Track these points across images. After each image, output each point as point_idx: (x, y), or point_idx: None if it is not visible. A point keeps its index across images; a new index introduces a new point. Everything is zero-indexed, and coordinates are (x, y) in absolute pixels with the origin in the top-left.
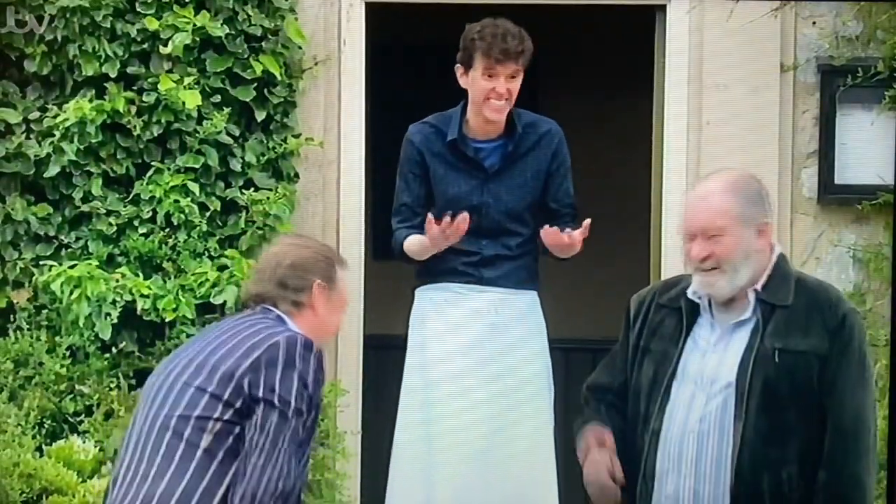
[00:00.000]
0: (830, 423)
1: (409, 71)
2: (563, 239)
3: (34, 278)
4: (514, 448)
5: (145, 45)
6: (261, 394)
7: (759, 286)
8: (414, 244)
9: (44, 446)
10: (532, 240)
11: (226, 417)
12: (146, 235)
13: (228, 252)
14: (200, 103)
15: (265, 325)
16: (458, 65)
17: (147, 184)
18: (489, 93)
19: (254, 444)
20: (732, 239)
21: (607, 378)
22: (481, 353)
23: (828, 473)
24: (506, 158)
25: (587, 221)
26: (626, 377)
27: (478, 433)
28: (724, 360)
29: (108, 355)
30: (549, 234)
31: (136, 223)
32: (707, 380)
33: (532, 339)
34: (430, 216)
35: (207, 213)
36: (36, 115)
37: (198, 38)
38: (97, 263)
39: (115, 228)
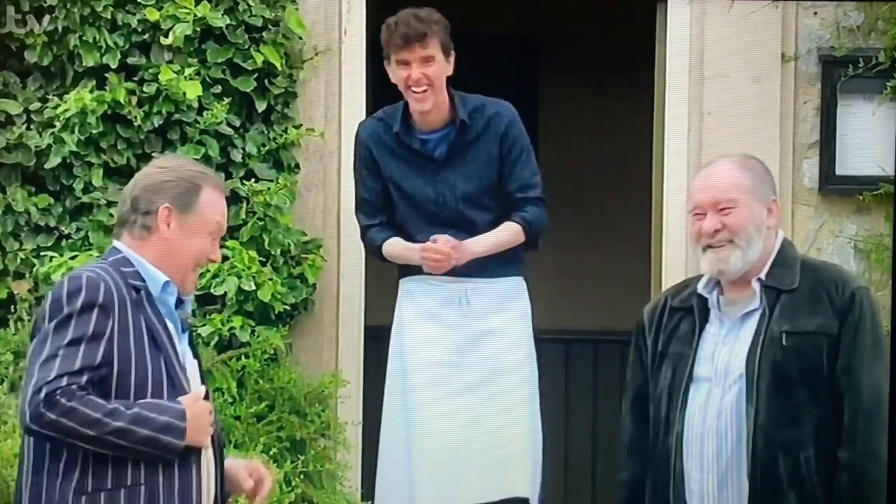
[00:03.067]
0: (849, 403)
1: None
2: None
3: (35, 269)
4: (489, 436)
5: (146, 36)
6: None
7: (762, 275)
8: (395, 249)
9: None
10: (496, 225)
11: None
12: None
13: (229, 243)
14: (201, 94)
15: None
16: (384, 60)
17: None
18: (406, 81)
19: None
20: (745, 211)
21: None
22: (453, 342)
23: (850, 453)
24: (454, 146)
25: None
26: (636, 393)
27: (453, 423)
28: (735, 351)
29: None
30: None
31: None
32: (720, 374)
33: (508, 327)
34: (432, 240)
35: None
36: (36, 105)
37: (198, 29)
38: (98, 254)
39: (115, 219)
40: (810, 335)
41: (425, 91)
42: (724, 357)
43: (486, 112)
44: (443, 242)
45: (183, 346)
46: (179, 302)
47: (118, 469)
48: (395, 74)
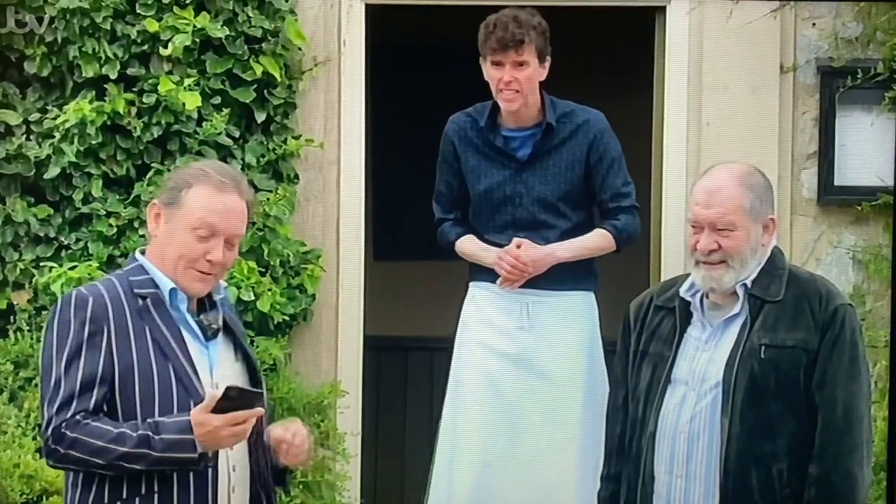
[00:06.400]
0: (822, 418)
1: (408, 71)
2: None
3: (34, 279)
4: (535, 453)
5: (145, 47)
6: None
7: (748, 281)
8: (468, 247)
9: None
10: (573, 233)
11: None
12: (146, 237)
13: None
14: (200, 104)
15: None
16: (480, 56)
17: (147, 185)
18: (498, 83)
19: None
20: (742, 234)
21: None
22: (508, 355)
23: (819, 468)
24: (537, 148)
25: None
26: (627, 388)
27: (500, 436)
28: (714, 357)
29: None
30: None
31: (136, 224)
32: (697, 379)
33: (569, 344)
34: (510, 248)
35: None
36: (36, 116)
37: (198, 40)
38: (97, 265)
39: (115, 230)
40: (789, 349)
41: (515, 93)
42: (702, 362)
43: (576, 119)
44: (525, 249)
45: (210, 352)
46: (206, 307)
47: (133, 479)
48: (488, 73)
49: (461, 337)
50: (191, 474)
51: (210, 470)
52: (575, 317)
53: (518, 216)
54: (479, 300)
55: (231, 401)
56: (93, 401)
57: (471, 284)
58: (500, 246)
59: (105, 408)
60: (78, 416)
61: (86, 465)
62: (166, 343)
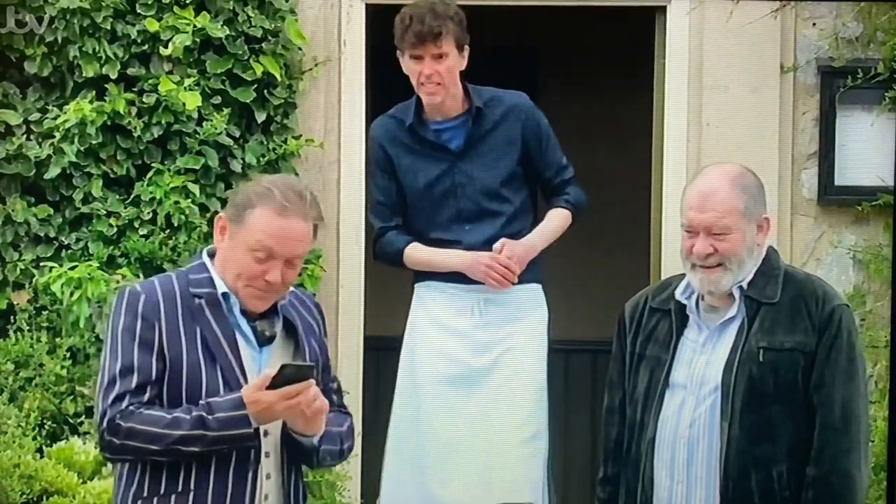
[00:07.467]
0: (819, 419)
1: None
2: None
3: (34, 279)
4: (494, 447)
5: (145, 47)
6: None
7: (745, 283)
8: (422, 255)
9: (44, 447)
10: (517, 218)
11: None
12: (146, 237)
13: None
14: (200, 104)
15: None
16: (398, 50)
17: (147, 185)
18: (418, 76)
19: None
20: (738, 236)
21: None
22: (464, 353)
23: (817, 469)
24: (471, 136)
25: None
26: (624, 391)
27: (465, 434)
28: (712, 361)
29: None
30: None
31: (136, 224)
32: (696, 383)
33: (519, 338)
34: (494, 255)
35: (208, 215)
36: (36, 116)
37: (198, 40)
38: (97, 265)
39: (115, 230)
40: (787, 352)
41: (437, 85)
42: (700, 366)
43: (505, 102)
44: (508, 250)
45: (262, 358)
46: (265, 314)
47: (171, 474)
48: (407, 67)
49: (412, 341)
50: (230, 476)
51: (249, 474)
52: (525, 312)
53: (462, 207)
54: (428, 301)
55: (286, 377)
56: (146, 395)
57: (417, 286)
58: (448, 243)
59: (156, 402)
60: (131, 407)
61: (142, 454)
62: (217, 345)
